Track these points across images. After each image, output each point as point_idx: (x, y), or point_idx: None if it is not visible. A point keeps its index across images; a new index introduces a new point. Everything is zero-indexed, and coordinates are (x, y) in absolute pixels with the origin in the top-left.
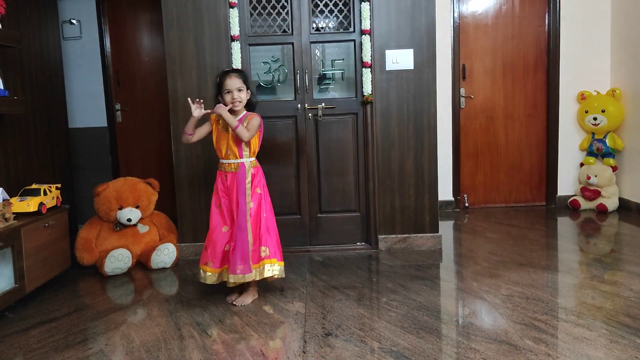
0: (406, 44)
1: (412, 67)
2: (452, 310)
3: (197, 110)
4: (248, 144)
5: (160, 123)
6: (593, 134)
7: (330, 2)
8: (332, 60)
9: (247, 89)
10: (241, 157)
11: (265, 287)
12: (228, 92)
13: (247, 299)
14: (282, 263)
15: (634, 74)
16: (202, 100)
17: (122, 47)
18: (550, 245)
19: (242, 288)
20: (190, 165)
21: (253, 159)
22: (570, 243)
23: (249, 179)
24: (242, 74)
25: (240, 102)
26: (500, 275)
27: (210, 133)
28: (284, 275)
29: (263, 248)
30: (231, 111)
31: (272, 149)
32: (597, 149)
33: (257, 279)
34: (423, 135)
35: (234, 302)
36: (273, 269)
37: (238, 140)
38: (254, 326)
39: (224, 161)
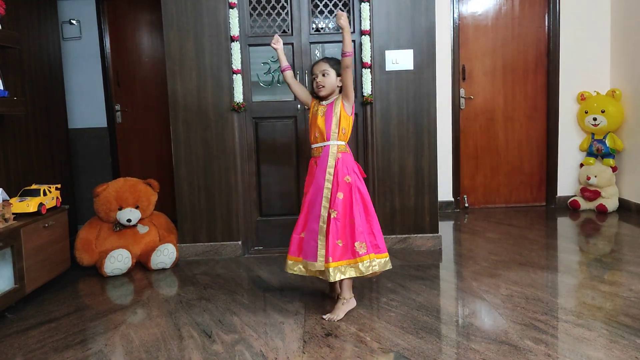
0: (406, 45)
1: (411, 68)
2: (452, 311)
3: (274, 44)
4: (338, 124)
5: (160, 124)
6: (593, 134)
7: (330, 2)
8: None
9: (338, 75)
10: (328, 139)
11: (266, 288)
12: (314, 79)
13: (338, 313)
14: (385, 254)
15: (633, 74)
16: (276, 36)
17: (122, 48)
18: (550, 245)
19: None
20: (190, 165)
21: (342, 142)
22: (570, 243)
23: (331, 162)
24: (332, 59)
25: (323, 86)
26: (500, 276)
27: (308, 106)
28: (389, 267)
29: (359, 244)
30: (321, 98)
31: (272, 149)
32: (597, 150)
33: (355, 275)
34: (423, 136)
35: (323, 317)
36: (372, 265)
37: (328, 120)
38: (254, 326)
39: (313, 146)
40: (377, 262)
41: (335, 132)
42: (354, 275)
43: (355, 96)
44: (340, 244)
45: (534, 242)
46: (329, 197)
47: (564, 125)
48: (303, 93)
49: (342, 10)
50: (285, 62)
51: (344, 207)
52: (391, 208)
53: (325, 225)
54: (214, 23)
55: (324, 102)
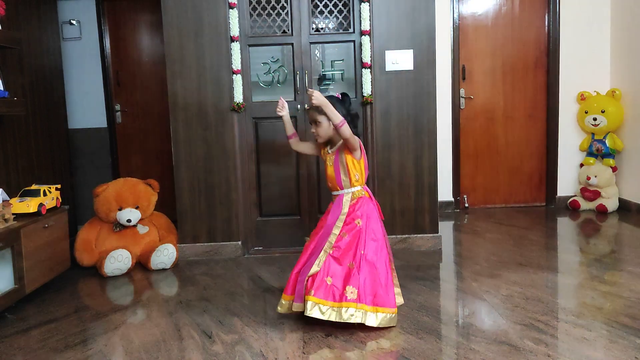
0: (406, 45)
1: (411, 68)
2: (452, 311)
3: (279, 112)
4: (347, 173)
5: (160, 124)
6: (593, 134)
7: (330, 2)
8: (331, 61)
9: (337, 127)
10: (341, 188)
11: (266, 288)
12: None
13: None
14: (389, 310)
15: (633, 74)
16: (281, 101)
17: (122, 48)
18: (550, 245)
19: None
20: (190, 166)
21: (357, 188)
22: (570, 243)
23: (344, 210)
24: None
25: (319, 136)
26: (500, 276)
27: (315, 154)
28: (393, 324)
29: (350, 289)
30: (329, 143)
31: (272, 150)
32: (597, 150)
33: (334, 320)
34: (423, 136)
35: None
36: (356, 315)
37: (337, 171)
38: (254, 327)
39: (331, 192)
40: (374, 316)
41: (346, 180)
42: (334, 320)
43: (355, 96)
44: (328, 282)
45: (534, 243)
46: (333, 242)
47: (564, 125)
48: (309, 149)
49: (342, 11)
50: (291, 130)
51: (346, 248)
52: (391, 208)
53: (318, 269)
54: (214, 23)
55: (330, 150)
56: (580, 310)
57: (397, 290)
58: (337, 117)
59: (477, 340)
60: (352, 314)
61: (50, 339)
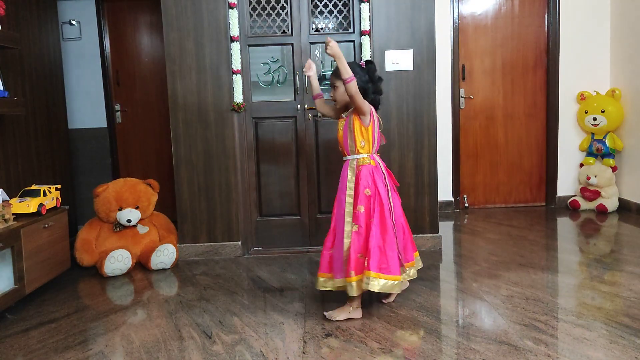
0: (406, 45)
1: (411, 68)
2: (452, 311)
3: (306, 72)
4: (353, 138)
5: (160, 124)
6: (593, 134)
7: (330, 2)
8: (331, 61)
9: (345, 81)
10: (348, 153)
11: (266, 288)
12: None
13: (339, 314)
14: (392, 277)
15: (633, 74)
16: (309, 62)
17: (122, 48)
18: (550, 245)
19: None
20: (190, 165)
21: (362, 155)
22: (570, 243)
23: (350, 177)
24: (335, 70)
25: (335, 100)
26: (500, 276)
27: (335, 118)
28: (395, 290)
29: (366, 258)
30: (346, 109)
31: (272, 149)
32: (597, 150)
33: (355, 291)
34: (423, 136)
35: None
36: (369, 282)
37: (345, 135)
38: (254, 327)
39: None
40: (377, 282)
41: (352, 146)
42: (363, 289)
43: None
44: (361, 258)
45: (534, 243)
46: (352, 211)
47: (564, 125)
48: (331, 112)
49: (342, 11)
50: (317, 90)
51: (365, 220)
52: None
53: (349, 241)
54: (214, 23)
55: (344, 114)
56: (580, 310)
57: (415, 253)
58: (347, 72)
59: (477, 340)
60: (364, 281)
61: (51, 339)
